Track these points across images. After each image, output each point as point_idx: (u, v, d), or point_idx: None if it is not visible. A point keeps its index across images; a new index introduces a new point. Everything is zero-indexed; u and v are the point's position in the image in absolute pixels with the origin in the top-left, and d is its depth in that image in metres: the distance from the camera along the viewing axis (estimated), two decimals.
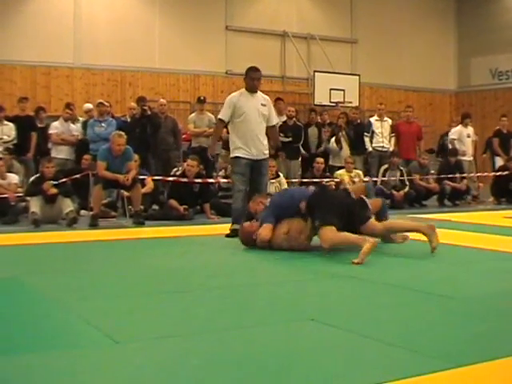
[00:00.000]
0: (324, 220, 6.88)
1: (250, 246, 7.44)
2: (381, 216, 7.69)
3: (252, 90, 9.24)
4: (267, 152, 9.32)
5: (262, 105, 9.25)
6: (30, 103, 14.64)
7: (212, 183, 12.83)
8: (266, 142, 9.30)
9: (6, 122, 13.31)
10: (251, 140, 9.11)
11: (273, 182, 12.18)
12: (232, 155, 9.23)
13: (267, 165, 9.51)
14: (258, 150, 9.14)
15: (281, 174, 12.90)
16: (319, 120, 16.26)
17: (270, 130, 9.46)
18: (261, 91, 9.47)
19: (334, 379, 3.08)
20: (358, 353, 3.53)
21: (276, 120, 9.78)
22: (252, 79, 9.24)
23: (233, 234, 8.56)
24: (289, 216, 7.35)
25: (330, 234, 6.74)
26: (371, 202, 7.54)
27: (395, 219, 7.46)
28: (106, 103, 13.23)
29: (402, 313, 4.47)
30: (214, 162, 14.81)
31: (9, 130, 13.24)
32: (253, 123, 9.12)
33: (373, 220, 7.26)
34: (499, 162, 16.64)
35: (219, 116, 9.42)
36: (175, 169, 12.92)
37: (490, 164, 17.23)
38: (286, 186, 12.44)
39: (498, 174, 15.29)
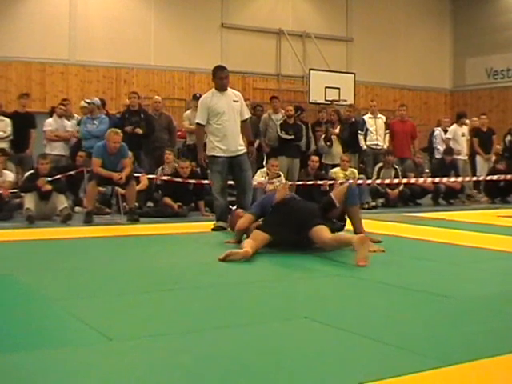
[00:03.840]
0: (261, 225, 7.06)
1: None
2: (349, 202, 7.32)
3: (222, 88, 9.44)
4: (243, 147, 9.53)
5: (235, 101, 9.47)
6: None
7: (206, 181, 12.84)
8: (240, 137, 9.56)
9: (1, 118, 13.29)
10: (226, 138, 9.32)
11: (272, 182, 12.20)
12: (208, 154, 9.44)
13: (246, 160, 9.63)
14: (234, 146, 9.36)
15: (281, 174, 12.92)
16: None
17: (242, 125, 9.66)
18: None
19: (327, 377, 3.07)
20: (351, 351, 3.52)
21: (248, 114, 9.98)
22: (221, 78, 9.44)
23: (218, 228, 9.10)
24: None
25: (262, 240, 6.77)
26: (335, 193, 7.42)
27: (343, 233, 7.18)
28: (91, 101, 13.19)
29: (395, 311, 4.47)
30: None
31: (4, 126, 13.22)
32: (228, 121, 9.35)
33: (322, 228, 6.76)
34: (480, 161, 16.66)
35: (196, 120, 9.66)
36: (160, 168, 12.87)
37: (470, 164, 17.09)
38: None
39: (489, 178, 15.24)
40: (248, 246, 6.56)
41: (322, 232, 6.69)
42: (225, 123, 9.31)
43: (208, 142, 9.54)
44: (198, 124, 9.57)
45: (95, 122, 12.95)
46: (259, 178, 12.71)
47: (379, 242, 7.41)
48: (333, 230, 6.88)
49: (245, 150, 9.56)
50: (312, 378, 3.06)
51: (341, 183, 11.87)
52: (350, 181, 12.16)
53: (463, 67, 25.26)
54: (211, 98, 9.40)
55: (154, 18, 20.11)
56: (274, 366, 3.26)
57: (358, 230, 7.23)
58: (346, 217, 7.51)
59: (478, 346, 3.62)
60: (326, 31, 22.75)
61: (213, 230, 9.13)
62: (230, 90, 9.58)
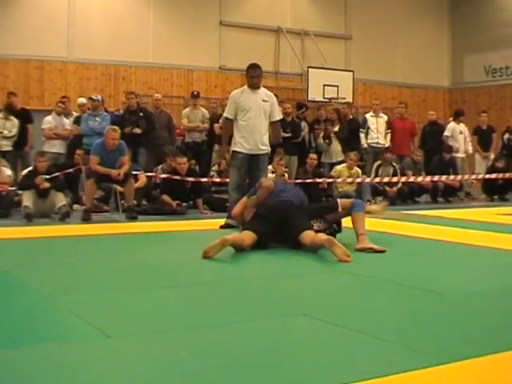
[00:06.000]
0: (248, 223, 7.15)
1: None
2: (355, 210, 7.20)
3: (253, 86, 9.42)
4: (265, 147, 9.44)
5: (264, 101, 9.43)
6: (21, 97, 14.62)
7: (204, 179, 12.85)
8: (266, 137, 9.48)
9: (11, 117, 13.32)
10: (251, 135, 9.31)
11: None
12: (231, 149, 9.47)
13: (265, 160, 9.67)
14: (256, 144, 9.34)
15: (285, 174, 12.92)
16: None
17: (272, 126, 9.69)
18: None
19: (326, 374, 3.07)
20: (350, 348, 3.53)
21: (279, 116, 9.90)
22: (251, 77, 9.46)
23: (227, 226, 8.90)
24: None
25: (247, 238, 6.78)
26: (341, 201, 7.41)
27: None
28: (96, 97, 13.17)
29: (394, 308, 4.47)
30: (209, 156, 14.83)
31: (11, 126, 13.24)
32: (254, 119, 9.32)
33: (308, 232, 6.74)
34: (478, 159, 16.70)
35: (224, 114, 9.70)
36: (160, 166, 12.86)
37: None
38: None
39: (487, 176, 15.28)
40: (230, 236, 6.61)
41: (305, 238, 6.70)
42: (249, 120, 9.30)
43: (233, 137, 9.53)
44: (225, 118, 9.60)
45: (97, 118, 12.91)
46: None
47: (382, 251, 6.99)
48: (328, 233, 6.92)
49: (267, 151, 9.57)
50: (311, 375, 3.05)
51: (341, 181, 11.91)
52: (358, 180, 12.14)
53: (461, 65, 25.25)
54: (240, 94, 9.43)
55: (152, 16, 20.09)
56: (274, 363, 3.25)
57: (358, 231, 7.09)
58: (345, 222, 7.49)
59: (476, 342, 3.62)
60: (324, 29, 22.72)
61: (221, 227, 8.96)
62: (262, 89, 9.57)
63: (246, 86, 9.53)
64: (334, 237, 6.85)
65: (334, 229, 7.41)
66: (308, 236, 6.64)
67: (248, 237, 6.80)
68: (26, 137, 13.62)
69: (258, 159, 9.43)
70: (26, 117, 13.75)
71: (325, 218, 7.28)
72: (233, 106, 9.41)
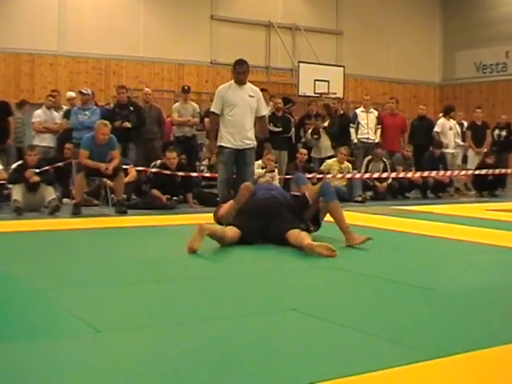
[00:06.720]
0: (234, 220, 7.09)
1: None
2: (327, 199, 7.08)
3: (239, 82, 9.52)
4: (251, 142, 9.50)
5: (250, 96, 9.52)
6: (12, 91, 14.57)
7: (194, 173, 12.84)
8: (252, 132, 9.59)
9: None
10: (237, 130, 9.43)
11: (264, 176, 12.19)
12: (218, 144, 9.57)
13: (252, 154, 9.74)
14: (242, 139, 9.44)
15: (276, 169, 12.91)
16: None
17: (258, 121, 9.82)
18: None
19: (315, 369, 3.07)
20: (339, 343, 3.53)
21: (265, 111, 10.08)
22: (238, 73, 9.55)
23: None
24: None
25: (230, 232, 6.78)
26: (308, 191, 7.19)
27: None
28: (86, 91, 13.12)
29: (384, 304, 4.47)
30: (198, 151, 14.82)
31: None
32: (240, 114, 9.43)
33: (293, 231, 6.64)
34: (471, 154, 16.76)
35: (211, 109, 9.77)
36: (153, 163, 12.84)
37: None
38: (277, 181, 12.46)
39: (477, 172, 15.35)
40: (209, 225, 6.68)
41: (290, 236, 6.64)
42: (236, 115, 9.42)
43: (219, 132, 9.62)
44: (212, 113, 9.70)
45: (87, 112, 12.85)
46: (255, 169, 12.69)
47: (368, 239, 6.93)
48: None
49: (253, 145, 9.67)
50: (301, 370, 3.06)
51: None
52: (349, 175, 12.09)
53: (453, 61, 25.32)
54: (227, 89, 9.53)
55: (143, 10, 20.07)
56: (263, 359, 3.26)
57: (341, 225, 6.99)
58: (322, 219, 7.41)
59: (466, 338, 3.63)
60: (315, 24, 22.75)
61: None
62: (248, 84, 9.67)
63: (232, 82, 9.62)
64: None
65: (313, 228, 7.25)
66: (293, 235, 6.62)
67: (232, 231, 6.79)
68: (7, 130, 13.57)
69: (244, 154, 9.53)
70: (5, 110, 13.70)
71: (303, 218, 7.17)
72: (219, 100, 9.50)
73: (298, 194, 7.23)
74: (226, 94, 9.45)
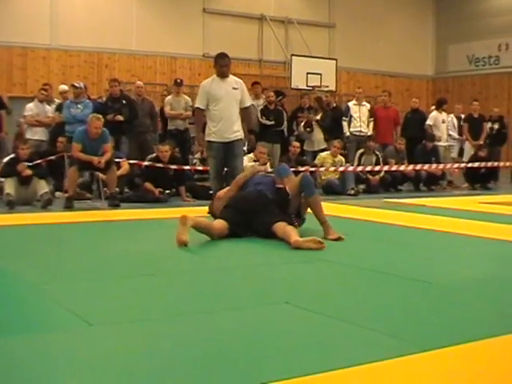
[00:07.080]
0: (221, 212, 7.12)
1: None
2: (306, 193, 7.08)
3: (222, 75, 9.56)
4: (239, 134, 9.64)
5: (234, 88, 9.58)
6: (4, 84, 14.54)
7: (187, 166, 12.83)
8: (238, 123, 9.65)
9: None
10: (224, 124, 9.47)
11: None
12: (206, 139, 9.63)
13: (240, 145, 9.81)
14: (229, 132, 9.50)
15: (268, 163, 12.90)
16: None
17: (243, 112, 9.83)
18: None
19: (309, 362, 3.08)
20: (332, 336, 3.54)
21: (249, 102, 10.12)
22: (221, 66, 9.59)
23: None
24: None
25: (217, 224, 6.84)
26: (289, 184, 7.13)
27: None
28: (78, 84, 13.07)
29: (377, 297, 4.48)
30: (191, 144, 14.80)
31: None
32: (226, 108, 9.48)
33: (280, 224, 6.65)
34: (468, 146, 16.79)
35: (196, 105, 9.84)
36: (149, 156, 12.83)
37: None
38: None
39: (470, 165, 15.39)
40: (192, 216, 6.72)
41: (277, 230, 6.64)
42: (222, 109, 9.45)
43: (206, 127, 9.68)
44: (197, 108, 9.75)
45: (79, 106, 12.81)
46: (247, 162, 12.67)
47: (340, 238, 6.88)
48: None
49: (240, 136, 9.70)
50: (294, 363, 3.06)
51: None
52: (341, 168, 12.07)
53: (445, 54, 25.33)
54: (211, 84, 9.57)
55: (135, 3, 20.00)
56: (256, 352, 3.26)
57: (320, 219, 7.01)
58: (304, 214, 7.38)
59: (460, 330, 3.63)
60: (308, 17, 22.72)
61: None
62: (231, 77, 9.72)
63: (214, 76, 9.66)
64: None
65: (297, 222, 7.21)
66: (280, 228, 6.62)
67: (219, 223, 6.83)
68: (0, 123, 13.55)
69: (232, 146, 9.56)
70: None
71: (287, 213, 7.14)
72: (204, 96, 9.54)
73: (281, 186, 7.21)
74: (211, 89, 9.48)
